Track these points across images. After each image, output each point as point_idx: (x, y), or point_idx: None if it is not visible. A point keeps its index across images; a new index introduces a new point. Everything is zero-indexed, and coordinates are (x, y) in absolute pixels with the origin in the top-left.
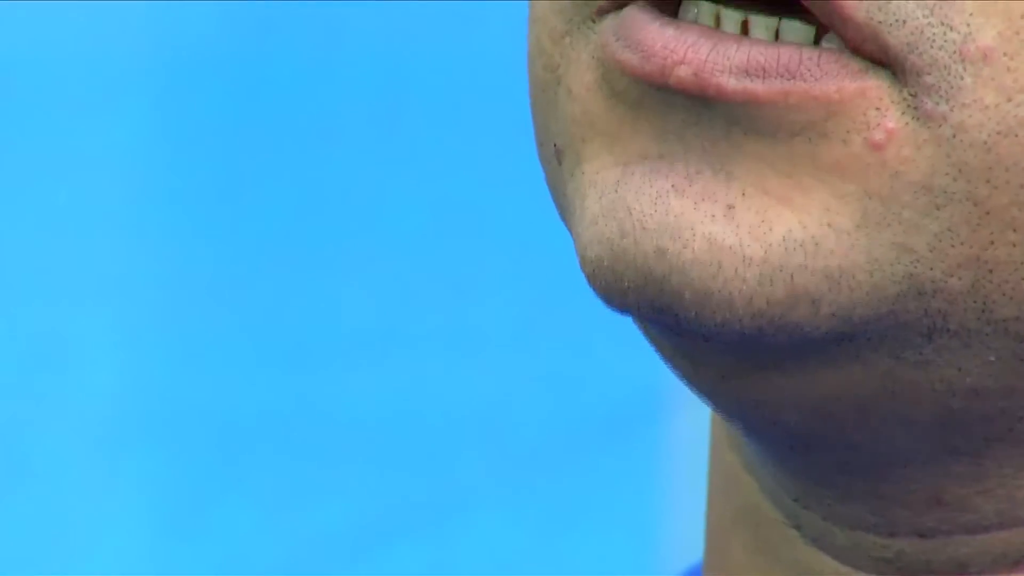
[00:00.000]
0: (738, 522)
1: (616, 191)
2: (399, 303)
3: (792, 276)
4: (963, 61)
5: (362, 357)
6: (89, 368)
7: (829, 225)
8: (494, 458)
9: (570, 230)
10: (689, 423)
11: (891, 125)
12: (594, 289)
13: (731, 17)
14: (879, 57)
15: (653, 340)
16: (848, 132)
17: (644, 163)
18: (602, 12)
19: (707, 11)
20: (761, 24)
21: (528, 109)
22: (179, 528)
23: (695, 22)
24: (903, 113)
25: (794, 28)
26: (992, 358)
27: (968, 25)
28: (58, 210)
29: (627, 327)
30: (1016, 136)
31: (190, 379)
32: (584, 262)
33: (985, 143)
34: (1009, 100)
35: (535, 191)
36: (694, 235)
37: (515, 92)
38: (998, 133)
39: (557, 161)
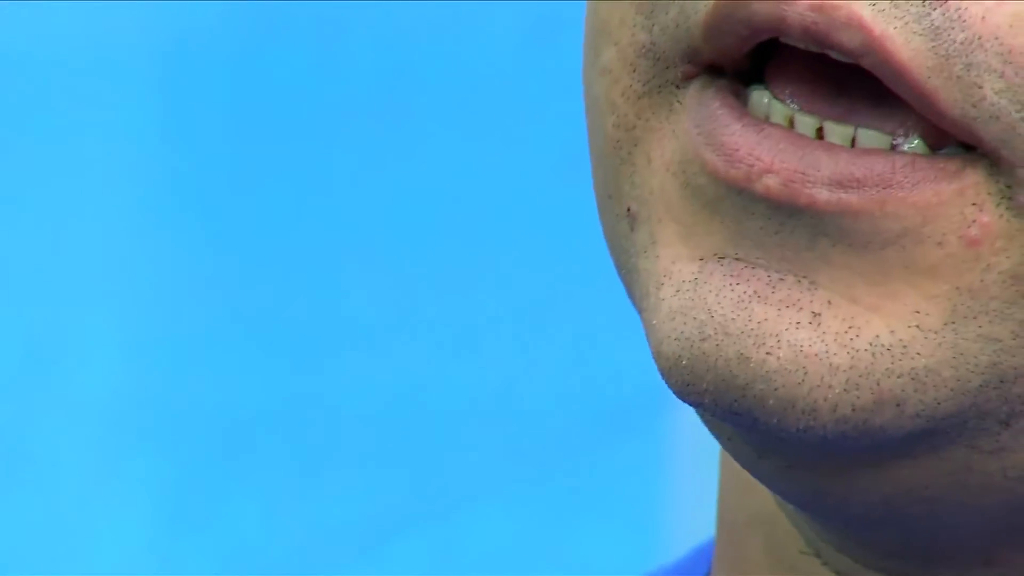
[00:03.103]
0: (753, 526)
1: (695, 289)
2: (403, 298)
3: (879, 382)
4: None
5: (367, 351)
6: (93, 363)
7: (918, 327)
8: (500, 451)
9: (638, 309)
10: (696, 416)
11: (986, 220)
12: (669, 385)
13: (806, 123)
14: (971, 148)
15: (711, 424)
16: (944, 234)
17: (722, 264)
18: (688, 77)
19: (780, 113)
20: (837, 132)
21: (532, 107)
22: (184, 523)
23: (770, 121)
24: (997, 206)
25: (869, 136)
26: None
27: None
28: (61, 206)
29: (632, 321)
30: None
31: (194, 374)
32: (659, 357)
33: None
34: None
35: (540, 184)
36: (779, 343)
37: (517, 87)
38: None
39: (628, 226)
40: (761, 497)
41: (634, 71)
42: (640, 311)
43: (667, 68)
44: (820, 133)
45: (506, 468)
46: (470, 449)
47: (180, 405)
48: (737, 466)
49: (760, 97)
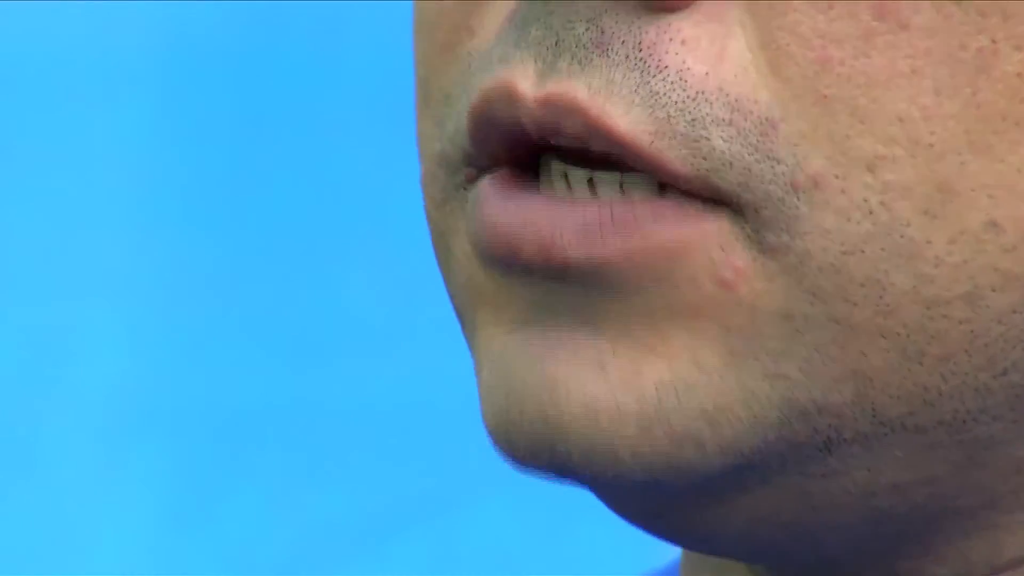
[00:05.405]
0: (705, 559)
1: (500, 361)
2: (404, 295)
3: (670, 421)
4: (795, 191)
5: (367, 349)
6: (95, 361)
7: (697, 365)
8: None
9: None
10: None
11: (738, 263)
12: (506, 460)
13: (578, 176)
14: (715, 198)
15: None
16: (696, 276)
17: (522, 330)
18: (470, 180)
19: (558, 171)
20: (607, 181)
21: None
22: (184, 520)
23: (540, 186)
24: (748, 249)
25: (633, 182)
26: (899, 454)
27: (794, 156)
28: (63, 205)
29: None
30: (862, 252)
31: (195, 371)
32: (490, 436)
33: (833, 265)
34: (848, 220)
35: None
36: (569, 395)
37: None
38: (844, 253)
39: (460, 321)
40: None
41: (435, 181)
42: None
43: (455, 173)
44: (594, 184)
45: (506, 467)
46: (470, 447)
47: (180, 403)
48: None
49: (544, 163)
